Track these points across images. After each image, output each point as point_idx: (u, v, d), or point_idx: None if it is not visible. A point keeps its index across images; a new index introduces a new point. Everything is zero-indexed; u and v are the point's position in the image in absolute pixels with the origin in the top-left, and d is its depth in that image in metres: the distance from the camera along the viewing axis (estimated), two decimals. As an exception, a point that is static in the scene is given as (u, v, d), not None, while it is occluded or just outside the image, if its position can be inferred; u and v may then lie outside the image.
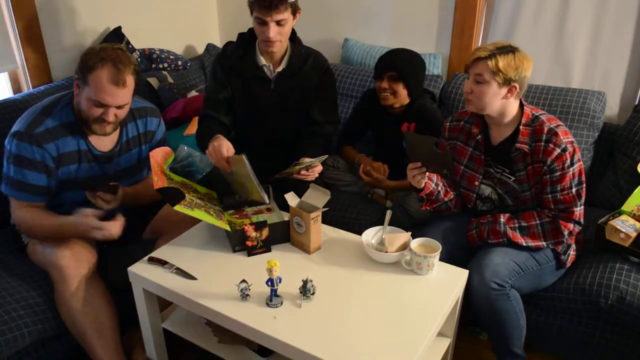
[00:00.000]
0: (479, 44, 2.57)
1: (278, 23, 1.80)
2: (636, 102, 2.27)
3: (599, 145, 2.22)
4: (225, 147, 1.72)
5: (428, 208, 1.82)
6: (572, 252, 1.75)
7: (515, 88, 1.58)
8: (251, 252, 1.61)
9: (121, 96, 1.58)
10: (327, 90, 2.06)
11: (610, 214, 1.85)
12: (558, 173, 1.61)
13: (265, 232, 1.61)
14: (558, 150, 1.59)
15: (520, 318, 1.66)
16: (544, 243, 1.67)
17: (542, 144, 1.61)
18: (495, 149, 1.72)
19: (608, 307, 1.62)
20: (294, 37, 2.01)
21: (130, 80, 1.59)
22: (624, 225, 1.75)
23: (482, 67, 1.56)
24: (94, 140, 1.71)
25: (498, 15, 2.45)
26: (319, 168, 1.80)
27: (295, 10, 1.84)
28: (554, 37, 2.36)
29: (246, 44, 1.97)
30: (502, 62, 1.54)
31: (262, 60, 1.96)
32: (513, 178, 1.70)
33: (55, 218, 1.63)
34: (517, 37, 2.43)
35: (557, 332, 1.77)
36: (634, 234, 1.72)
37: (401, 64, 2.02)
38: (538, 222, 1.67)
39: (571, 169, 1.61)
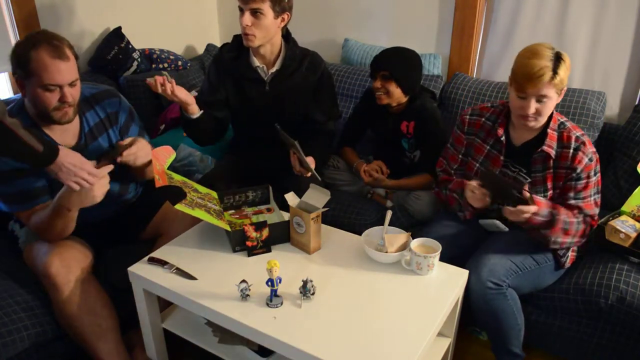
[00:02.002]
0: (479, 44, 2.57)
1: (253, 13, 1.81)
2: (636, 102, 2.27)
3: (599, 145, 2.21)
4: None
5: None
6: (570, 253, 1.75)
7: (564, 90, 1.60)
8: (251, 252, 1.61)
9: (68, 71, 1.52)
10: (325, 91, 2.07)
11: (610, 214, 1.85)
12: (584, 181, 1.63)
13: (265, 233, 1.61)
14: (586, 160, 1.61)
15: (517, 317, 1.66)
16: (568, 240, 1.65)
17: (571, 151, 1.62)
18: (517, 149, 1.72)
19: (608, 307, 1.62)
20: (288, 38, 2.00)
21: (70, 54, 1.54)
22: (624, 226, 1.75)
23: (548, 87, 1.53)
24: (56, 137, 1.64)
25: (498, 15, 2.45)
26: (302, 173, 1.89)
27: (279, 8, 1.83)
28: (554, 37, 2.36)
29: (241, 46, 1.96)
30: (562, 74, 1.53)
31: (256, 62, 1.96)
32: (529, 179, 1.70)
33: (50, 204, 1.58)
34: (517, 37, 2.43)
35: (557, 332, 1.77)
36: (634, 235, 1.72)
37: (393, 63, 2.01)
38: (575, 220, 1.65)
39: (594, 178, 1.64)
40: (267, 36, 1.88)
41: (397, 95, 2.04)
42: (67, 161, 1.44)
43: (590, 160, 1.62)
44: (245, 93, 2.00)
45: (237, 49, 1.98)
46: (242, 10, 1.83)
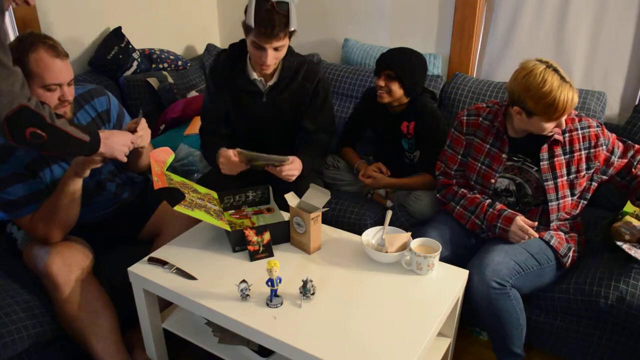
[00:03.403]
0: (479, 44, 2.57)
1: (276, 49, 1.76)
2: (636, 102, 2.27)
3: (599, 145, 2.22)
4: (230, 154, 1.81)
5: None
6: (572, 253, 1.75)
7: None
8: (254, 257, 1.60)
9: (67, 69, 1.54)
10: (318, 100, 1.98)
11: (612, 215, 1.84)
12: (611, 144, 1.72)
13: (266, 237, 1.61)
14: (597, 128, 1.70)
15: (520, 317, 1.66)
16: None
17: (579, 131, 1.69)
18: (517, 140, 1.74)
19: (608, 307, 1.62)
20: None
21: (65, 52, 1.54)
22: (629, 229, 1.74)
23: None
24: None
25: (498, 15, 2.45)
26: (287, 170, 1.80)
27: (292, 33, 1.79)
28: (554, 37, 2.36)
29: (237, 57, 1.91)
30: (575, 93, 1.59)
31: (254, 75, 1.90)
32: (535, 168, 1.72)
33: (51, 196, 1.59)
34: (517, 37, 2.43)
35: (557, 332, 1.77)
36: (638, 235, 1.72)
37: (398, 63, 2.01)
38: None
39: (612, 133, 1.75)
40: (280, 58, 1.85)
41: (398, 95, 2.05)
42: (114, 141, 1.49)
43: (598, 126, 1.71)
44: (243, 104, 1.96)
45: (234, 60, 1.92)
46: (261, 47, 1.74)
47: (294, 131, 2.01)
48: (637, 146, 1.74)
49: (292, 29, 1.73)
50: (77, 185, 1.58)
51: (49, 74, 1.49)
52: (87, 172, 1.55)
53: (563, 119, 1.61)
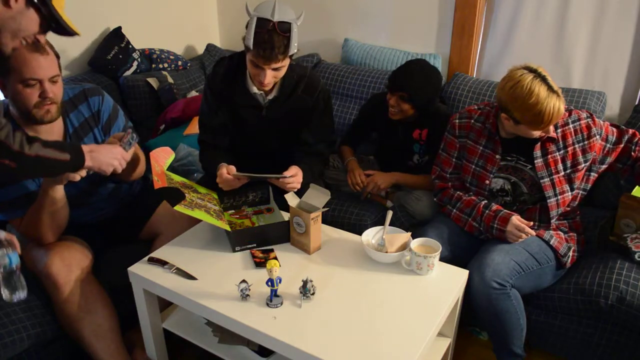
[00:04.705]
0: (479, 44, 2.57)
1: (274, 69, 1.71)
2: (636, 102, 2.27)
3: (599, 145, 2.22)
4: (225, 172, 1.73)
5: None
6: (572, 253, 1.75)
7: None
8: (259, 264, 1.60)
9: (48, 65, 1.51)
10: (319, 113, 1.93)
11: (612, 214, 1.83)
12: (605, 132, 1.70)
13: (272, 254, 1.62)
14: (588, 119, 1.69)
15: (520, 318, 1.66)
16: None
17: (570, 125, 1.69)
18: (510, 140, 1.74)
19: (608, 307, 1.62)
20: None
21: (49, 49, 1.52)
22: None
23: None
24: None
25: (498, 15, 2.45)
26: (291, 183, 1.74)
27: (291, 52, 1.71)
28: (554, 37, 2.36)
29: (236, 69, 1.86)
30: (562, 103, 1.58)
31: (254, 88, 1.84)
32: (529, 166, 1.72)
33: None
34: (517, 37, 2.43)
35: (557, 332, 1.77)
36: None
37: (414, 87, 1.96)
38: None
39: (605, 122, 1.74)
40: (280, 77, 1.79)
41: (410, 113, 2.04)
42: (101, 153, 1.46)
43: (589, 116, 1.70)
44: (242, 117, 1.92)
45: (233, 73, 1.87)
46: (260, 67, 1.69)
47: (293, 143, 1.97)
48: (631, 130, 1.72)
49: (292, 53, 1.68)
50: (57, 193, 1.55)
51: (26, 68, 1.47)
52: (65, 181, 1.50)
53: (550, 127, 1.61)
